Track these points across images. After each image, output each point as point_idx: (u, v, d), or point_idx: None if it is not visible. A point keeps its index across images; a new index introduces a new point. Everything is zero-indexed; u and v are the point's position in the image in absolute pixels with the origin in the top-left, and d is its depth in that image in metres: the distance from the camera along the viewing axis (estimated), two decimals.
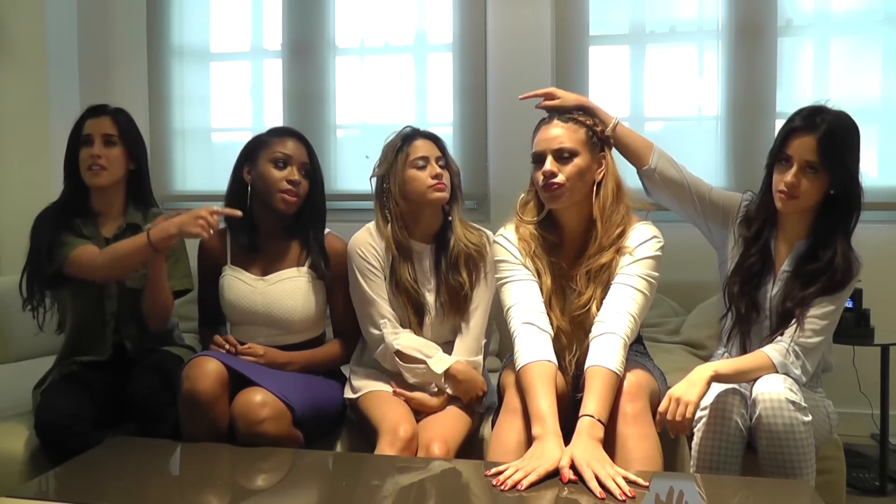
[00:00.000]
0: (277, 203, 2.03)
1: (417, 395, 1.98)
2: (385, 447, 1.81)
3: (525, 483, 1.50)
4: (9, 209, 3.32)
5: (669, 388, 1.83)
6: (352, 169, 3.54)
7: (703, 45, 3.31)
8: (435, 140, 2.05)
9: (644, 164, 1.98)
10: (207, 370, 1.83)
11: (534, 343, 1.76)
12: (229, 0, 3.70)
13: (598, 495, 1.46)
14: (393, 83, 3.53)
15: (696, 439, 1.76)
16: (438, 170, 2.00)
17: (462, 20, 3.39)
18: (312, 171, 2.08)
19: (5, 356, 2.75)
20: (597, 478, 1.49)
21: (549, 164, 1.81)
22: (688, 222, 2.06)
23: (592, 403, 1.65)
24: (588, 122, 1.88)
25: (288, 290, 2.06)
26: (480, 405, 2.02)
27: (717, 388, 1.76)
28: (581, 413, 1.65)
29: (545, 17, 3.27)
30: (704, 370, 1.72)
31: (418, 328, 2.04)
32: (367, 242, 2.03)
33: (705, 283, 2.54)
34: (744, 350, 1.90)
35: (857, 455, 2.79)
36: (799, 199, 1.80)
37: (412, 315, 2.03)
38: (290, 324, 2.06)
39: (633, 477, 1.51)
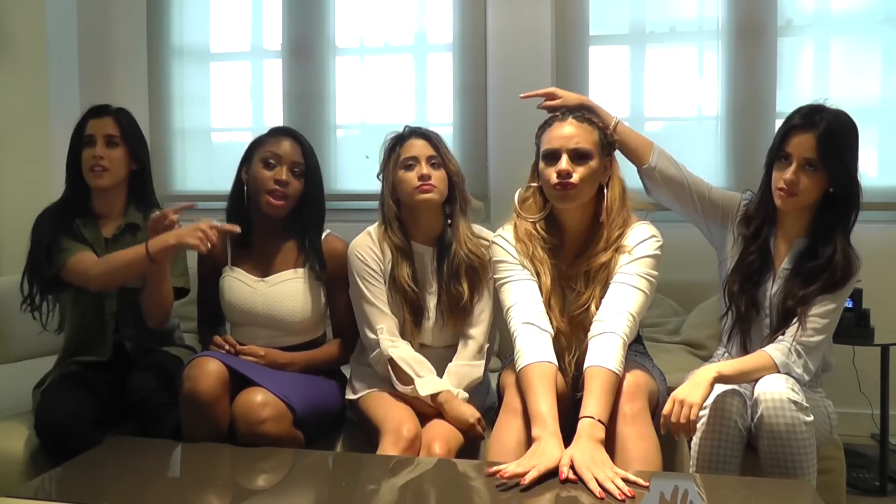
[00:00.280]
0: (264, 205, 2.02)
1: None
2: (388, 446, 1.81)
3: (527, 479, 1.49)
4: (9, 209, 3.32)
5: (669, 388, 1.84)
6: (352, 169, 3.54)
7: (703, 45, 3.31)
8: (429, 139, 2.00)
9: (644, 162, 1.99)
10: (208, 370, 1.83)
11: (534, 343, 1.76)
12: (229, 0, 3.70)
13: (598, 495, 1.46)
14: (393, 83, 3.53)
15: (695, 439, 1.76)
16: (426, 170, 1.95)
17: (462, 20, 3.39)
18: (307, 171, 2.06)
19: (5, 356, 2.75)
20: (597, 480, 1.49)
21: (565, 162, 1.80)
22: (687, 222, 2.06)
23: (592, 404, 1.65)
24: (601, 124, 1.88)
25: (288, 291, 2.06)
26: (477, 431, 1.90)
27: (717, 388, 1.75)
28: (581, 414, 1.65)
29: (545, 17, 3.27)
30: (707, 371, 1.72)
31: (416, 329, 2.02)
32: (366, 246, 2.02)
33: (705, 283, 2.54)
34: (744, 349, 1.90)
35: (857, 455, 2.79)
36: (798, 196, 1.80)
37: (409, 316, 2.01)
38: (291, 325, 2.06)
39: (633, 478, 1.51)
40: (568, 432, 1.64)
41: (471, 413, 1.88)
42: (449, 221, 2.04)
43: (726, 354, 1.97)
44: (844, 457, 1.95)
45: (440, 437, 1.83)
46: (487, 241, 2.02)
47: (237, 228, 1.96)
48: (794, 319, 1.79)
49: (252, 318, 2.06)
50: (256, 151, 2.06)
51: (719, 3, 3.20)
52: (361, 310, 2.02)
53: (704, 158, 3.16)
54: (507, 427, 1.74)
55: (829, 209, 1.83)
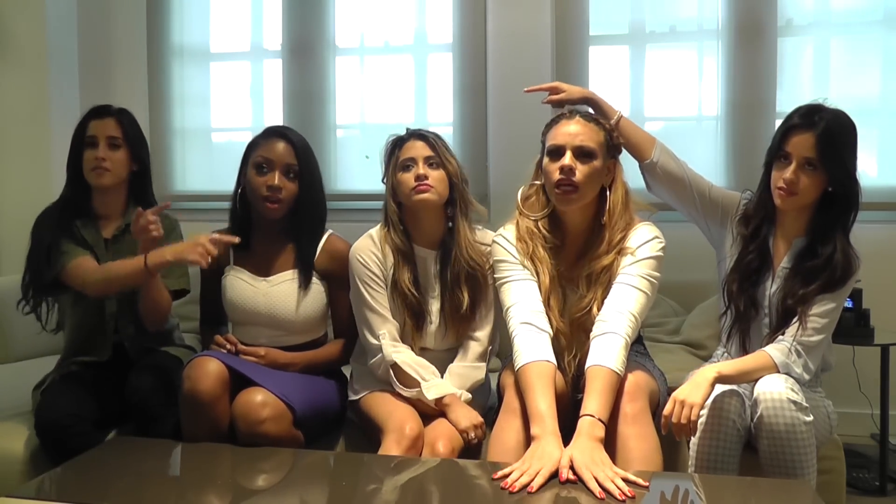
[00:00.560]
0: (261, 210, 2.04)
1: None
2: (391, 445, 1.80)
3: (535, 486, 1.49)
4: (9, 209, 3.32)
5: (670, 388, 1.84)
6: (352, 169, 3.54)
7: (703, 45, 3.31)
8: (427, 140, 1.99)
9: (646, 157, 1.99)
10: (208, 370, 1.83)
11: (533, 343, 1.76)
12: (229, 0, 3.70)
13: (598, 495, 1.46)
14: (393, 83, 3.53)
15: (694, 439, 1.76)
16: (423, 170, 1.94)
17: (462, 20, 3.39)
18: (302, 172, 2.05)
19: (5, 356, 2.75)
20: (597, 480, 1.50)
21: (569, 159, 1.79)
22: (688, 220, 2.06)
23: (593, 403, 1.65)
24: (607, 126, 1.88)
25: (289, 291, 2.06)
26: (477, 435, 1.90)
27: (717, 388, 1.76)
28: (581, 413, 1.65)
29: (545, 17, 3.27)
30: (708, 372, 1.72)
31: (417, 333, 2.01)
32: (368, 249, 2.01)
33: (705, 283, 2.54)
34: (743, 348, 1.90)
35: (857, 455, 2.79)
36: (798, 195, 1.80)
37: (409, 320, 2.00)
38: (292, 325, 2.06)
39: (632, 478, 1.51)
40: (568, 433, 1.64)
41: (474, 417, 1.88)
42: (450, 224, 2.02)
43: (726, 354, 1.98)
44: (844, 457, 1.95)
45: (443, 437, 1.83)
46: (488, 245, 2.00)
47: (235, 239, 1.96)
48: (794, 319, 1.79)
49: (254, 317, 2.06)
50: (250, 155, 2.06)
51: (719, 3, 3.20)
52: (362, 314, 2.01)
53: (704, 158, 3.16)
54: (507, 427, 1.73)
55: (829, 208, 1.83)
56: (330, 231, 2.14)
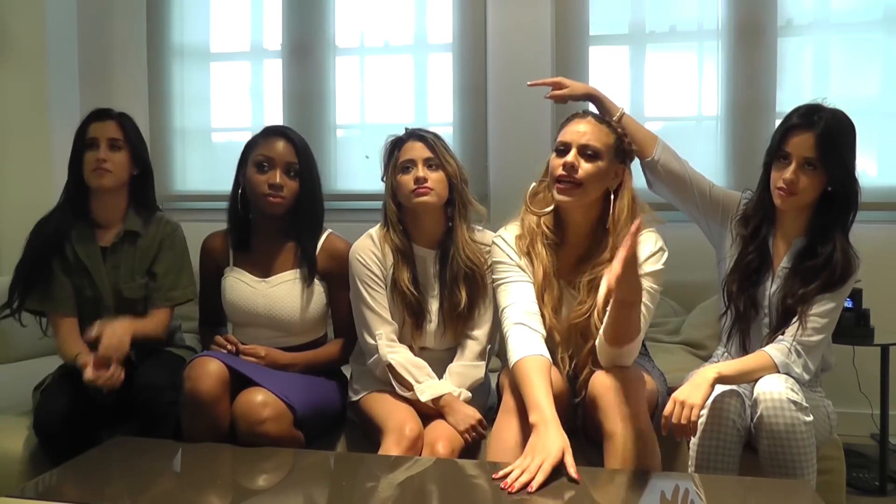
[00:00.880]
0: (262, 207, 2.03)
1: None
2: (391, 445, 1.81)
3: (535, 485, 1.49)
4: (9, 209, 3.32)
5: (669, 388, 1.84)
6: (352, 169, 3.54)
7: (703, 45, 3.31)
8: (426, 141, 1.98)
9: (648, 155, 1.99)
10: (209, 370, 1.83)
11: (526, 340, 1.76)
12: (229, 0, 3.70)
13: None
14: (393, 83, 3.53)
15: (694, 439, 1.76)
16: (422, 172, 1.94)
17: (462, 20, 3.39)
18: (302, 171, 2.05)
19: (6, 356, 2.75)
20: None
21: (573, 155, 1.79)
22: (688, 220, 2.06)
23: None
24: (620, 130, 1.87)
25: (289, 291, 2.06)
26: (478, 432, 1.91)
27: (717, 388, 1.76)
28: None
29: (545, 17, 3.27)
30: (708, 372, 1.72)
31: (416, 333, 2.02)
32: (368, 249, 2.02)
33: (705, 283, 2.54)
34: (743, 348, 1.90)
35: (857, 455, 2.79)
36: (798, 195, 1.81)
37: (409, 318, 2.01)
38: (292, 325, 2.06)
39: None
40: (567, 434, 1.63)
41: (471, 416, 1.88)
42: (450, 223, 2.03)
43: (726, 354, 1.98)
44: (844, 457, 1.95)
45: (443, 437, 1.83)
46: (487, 246, 2.00)
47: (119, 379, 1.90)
48: (794, 319, 1.79)
49: (253, 318, 2.06)
50: (250, 154, 2.06)
51: (719, 3, 3.20)
52: (361, 314, 2.01)
53: (704, 158, 3.15)
54: (506, 427, 1.74)
55: (828, 208, 1.83)
56: (329, 230, 2.15)
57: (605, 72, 3.35)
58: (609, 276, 1.55)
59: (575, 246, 1.89)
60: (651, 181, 2.04)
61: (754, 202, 1.92)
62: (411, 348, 2.01)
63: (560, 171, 1.80)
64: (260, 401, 1.83)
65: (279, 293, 2.06)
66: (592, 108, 2.11)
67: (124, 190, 2.14)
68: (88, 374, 1.85)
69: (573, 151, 1.79)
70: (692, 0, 3.29)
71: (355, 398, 2.04)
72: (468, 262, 1.99)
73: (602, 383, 1.72)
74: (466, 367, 2.00)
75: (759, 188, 1.91)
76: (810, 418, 1.67)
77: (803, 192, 1.80)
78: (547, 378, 1.70)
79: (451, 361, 2.03)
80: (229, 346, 2.01)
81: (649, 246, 1.82)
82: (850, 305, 2.51)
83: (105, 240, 2.12)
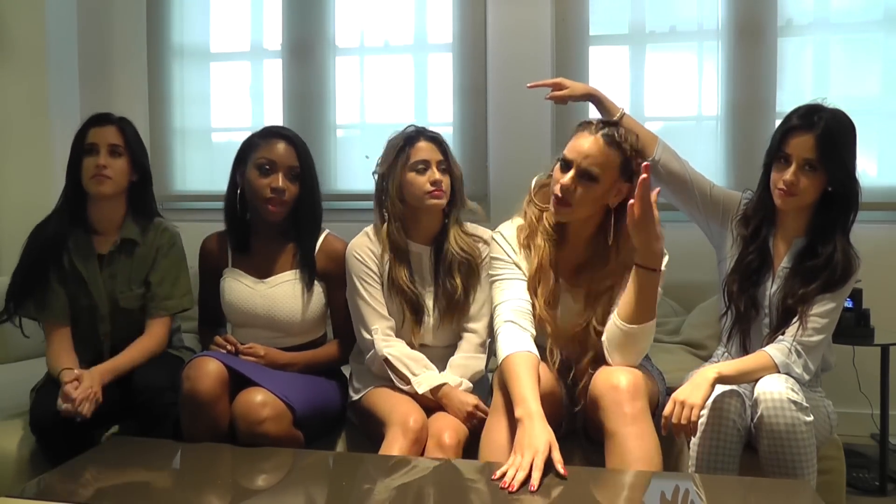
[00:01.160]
0: (263, 212, 2.03)
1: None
2: (397, 436, 1.80)
3: (535, 483, 1.49)
4: (9, 209, 3.32)
5: (670, 388, 1.84)
6: (352, 169, 3.54)
7: (703, 45, 3.31)
8: (438, 143, 2.02)
9: (648, 156, 1.98)
10: (208, 370, 1.83)
11: (514, 338, 1.77)
12: (229, 0, 3.70)
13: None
14: (393, 83, 3.53)
15: (694, 439, 1.76)
16: (438, 175, 1.97)
17: (462, 20, 3.39)
18: (303, 173, 2.05)
19: (5, 356, 2.75)
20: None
21: (570, 178, 1.77)
22: (689, 220, 2.06)
23: None
24: (628, 150, 1.79)
25: (288, 292, 2.06)
26: (478, 417, 1.92)
27: (717, 388, 1.75)
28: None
29: (545, 17, 3.27)
30: (708, 372, 1.72)
31: (416, 328, 2.03)
32: (365, 246, 2.03)
33: (705, 283, 2.54)
34: (744, 348, 1.90)
35: (857, 455, 2.79)
36: (798, 196, 1.81)
37: (409, 314, 2.02)
38: (291, 326, 2.06)
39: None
40: (564, 437, 1.63)
41: (469, 402, 1.89)
42: (445, 220, 2.05)
43: (726, 354, 1.98)
44: (844, 457, 1.95)
45: (449, 427, 1.84)
46: (480, 237, 2.05)
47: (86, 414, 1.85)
48: (794, 319, 1.79)
49: (252, 318, 2.06)
50: (250, 155, 2.05)
51: (719, 3, 3.20)
52: (357, 310, 2.02)
53: (704, 158, 3.15)
54: (496, 426, 1.74)
55: (828, 208, 1.83)
56: (327, 231, 2.15)
57: (605, 72, 3.35)
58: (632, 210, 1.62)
59: (575, 247, 1.89)
60: (651, 182, 2.03)
61: (754, 202, 1.92)
62: (411, 346, 2.02)
63: (557, 190, 1.80)
64: (259, 401, 1.83)
65: (278, 294, 2.06)
66: (594, 109, 2.11)
67: (123, 196, 2.11)
68: (59, 402, 1.84)
69: (571, 173, 1.78)
70: (692, 0, 3.29)
71: (356, 397, 2.04)
72: (461, 252, 2.02)
73: (604, 383, 1.73)
74: (467, 358, 2.02)
75: (760, 188, 1.91)
76: (810, 418, 1.67)
77: (803, 192, 1.80)
78: (534, 374, 1.70)
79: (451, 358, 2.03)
80: (229, 347, 2.01)
81: None
82: (850, 305, 2.51)
83: (102, 247, 2.09)
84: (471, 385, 1.98)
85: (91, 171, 2.03)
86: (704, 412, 1.74)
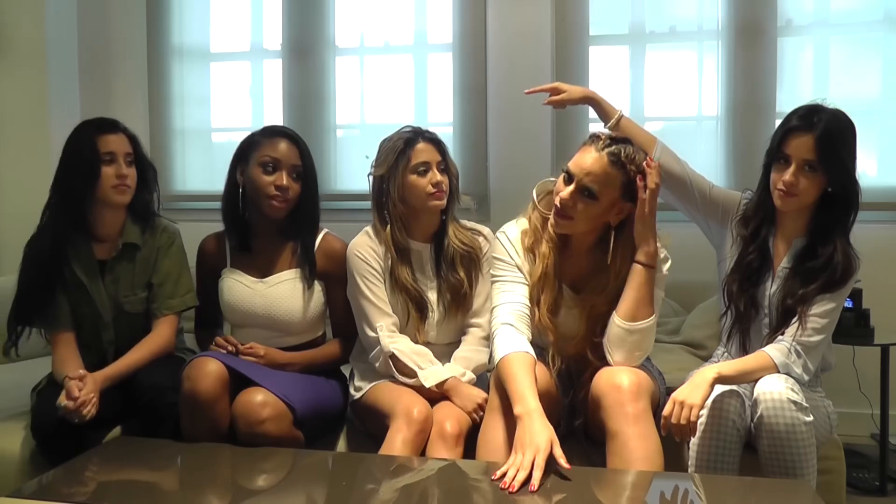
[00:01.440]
0: (265, 209, 2.03)
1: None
2: (401, 426, 1.80)
3: (535, 482, 1.49)
4: (9, 209, 3.32)
5: (670, 388, 1.84)
6: (352, 169, 3.54)
7: (703, 45, 3.31)
8: (436, 144, 2.03)
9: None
10: (208, 370, 1.83)
11: (511, 340, 1.77)
12: (229, 0, 3.70)
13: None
14: (393, 83, 3.53)
15: (693, 439, 1.76)
16: (439, 176, 1.99)
17: (462, 20, 3.39)
18: (305, 173, 2.06)
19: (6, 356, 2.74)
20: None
21: (569, 193, 1.77)
22: (688, 220, 2.06)
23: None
24: (632, 171, 1.77)
25: (287, 291, 2.06)
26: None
27: (716, 388, 1.76)
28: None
29: (545, 17, 3.27)
30: (707, 372, 1.72)
31: (421, 326, 2.04)
32: (366, 245, 2.03)
33: (705, 283, 2.55)
34: (743, 348, 1.90)
35: (857, 455, 2.79)
36: (797, 197, 1.80)
37: (414, 312, 2.03)
38: (290, 325, 2.06)
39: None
40: (562, 439, 1.63)
41: (477, 396, 1.90)
42: (443, 217, 2.07)
43: (726, 354, 1.98)
44: (844, 457, 1.95)
45: (451, 417, 1.84)
46: (480, 231, 2.10)
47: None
48: (794, 319, 1.79)
49: (251, 318, 2.06)
50: (253, 154, 2.05)
51: (719, 3, 3.20)
52: (361, 308, 2.02)
53: (704, 158, 3.16)
54: (493, 426, 1.74)
55: (828, 209, 1.83)
56: (325, 230, 2.15)
57: (605, 72, 3.35)
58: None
59: (577, 257, 1.90)
60: None
61: (754, 203, 1.92)
62: (415, 343, 2.02)
63: (557, 202, 1.81)
64: (259, 401, 1.83)
65: (277, 293, 2.06)
66: (593, 110, 2.11)
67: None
68: (61, 398, 1.84)
69: (572, 187, 1.78)
70: (692, 0, 3.29)
71: (357, 396, 2.04)
72: (462, 245, 2.04)
73: (606, 382, 1.73)
74: (472, 351, 2.03)
75: (759, 189, 1.91)
76: (810, 418, 1.67)
77: (803, 193, 1.80)
78: (531, 373, 1.70)
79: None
80: (229, 347, 2.01)
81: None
82: (850, 305, 2.51)
83: (103, 253, 2.08)
84: (474, 377, 2.00)
85: (112, 180, 2.00)
86: (704, 412, 1.74)
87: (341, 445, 2.06)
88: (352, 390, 2.08)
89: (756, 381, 1.74)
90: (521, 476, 1.51)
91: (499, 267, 1.91)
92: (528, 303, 1.85)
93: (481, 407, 1.88)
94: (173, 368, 1.97)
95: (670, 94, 3.30)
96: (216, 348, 2.01)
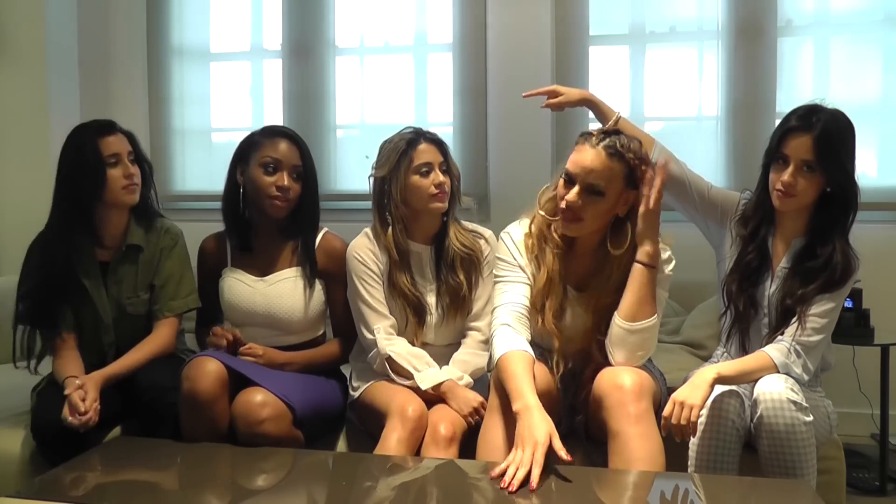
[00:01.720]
0: (267, 209, 2.03)
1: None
2: (396, 424, 1.80)
3: (534, 480, 1.49)
4: (9, 209, 3.32)
5: (669, 388, 1.84)
6: (352, 169, 3.54)
7: (703, 45, 3.31)
8: (438, 145, 2.02)
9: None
10: (207, 370, 1.83)
11: (509, 339, 1.77)
12: (229, 0, 3.70)
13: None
14: (393, 83, 3.53)
15: (693, 439, 1.76)
16: (441, 178, 1.98)
17: (462, 20, 3.39)
18: (305, 173, 2.06)
19: (5, 356, 2.74)
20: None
21: (575, 194, 1.76)
22: (688, 220, 2.06)
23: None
24: (632, 159, 1.76)
25: (287, 290, 2.06)
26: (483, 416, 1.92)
27: (716, 388, 1.76)
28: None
29: (545, 17, 3.28)
30: (707, 373, 1.72)
31: (419, 329, 2.04)
32: (365, 247, 2.03)
33: (705, 283, 2.54)
34: (743, 348, 1.90)
35: (857, 455, 2.79)
36: (796, 197, 1.80)
37: (412, 316, 2.03)
38: (290, 324, 2.07)
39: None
40: (562, 438, 1.63)
41: (473, 399, 1.89)
42: (444, 219, 2.06)
43: (725, 354, 1.98)
44: (844, 457, 1.95)
45: (446, 419, 1.84)
46: (481, 234, 2.09)
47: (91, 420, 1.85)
48: (794, 319, 1.79)
49: (252, 317, 2.06)
50: (253, 154, 2.05)
51: (719, 3, 3.20)
52: (359, 310, 2.03)
53: (704, 158, 3.16)
54: (493, 426, 1.74)
55: (827, 209, 1.83)
56: (325, 229, 2.15)
57: (605, 72, 3.35)
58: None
59: (582, 257, 1.89)
60: None
61: (753, 203, 1.92)
62: (413, 344, 2.02)
63: (563, 205, 1.79)
64: (259, 401, 1.83)
65: (277, 291, 2.06)
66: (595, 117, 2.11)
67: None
68: (65, 412, 1.83)
69: (576, 189, 1.77)
70: (692, 0, 3.29)
71: (356, 395, 2.04)
72: (463, 247, 2.04)
73: (608, 382, 1.73)
74: (470, 354, 2.03)
75: (758, 189, 1.91)
76: (810, 418, 1.67)
77: (802, 193, 1.80)
78: (529, 370, 1.70)
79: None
80: (228, 336, 2.00)
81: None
82: (850, 305, 2.51)
83: (106, 256, 2.08)
84: (471, 381, 1.99)
85: (121, 181, 2.01)
86: (704, 412, 1.74)
87: (341, 445, 2.06)
88: (350, 389, 2.08)
89: (756, 381, 1.74)
90: (521, 474, 1.50)
91: (501, 267, 1.90)
92: (528, 303, 1.84)
93: (477, 411, 1.88)
94: (173, 368, 1.97)
95: (670, 94, 3.30)
96: (213, 338, 2.01)
